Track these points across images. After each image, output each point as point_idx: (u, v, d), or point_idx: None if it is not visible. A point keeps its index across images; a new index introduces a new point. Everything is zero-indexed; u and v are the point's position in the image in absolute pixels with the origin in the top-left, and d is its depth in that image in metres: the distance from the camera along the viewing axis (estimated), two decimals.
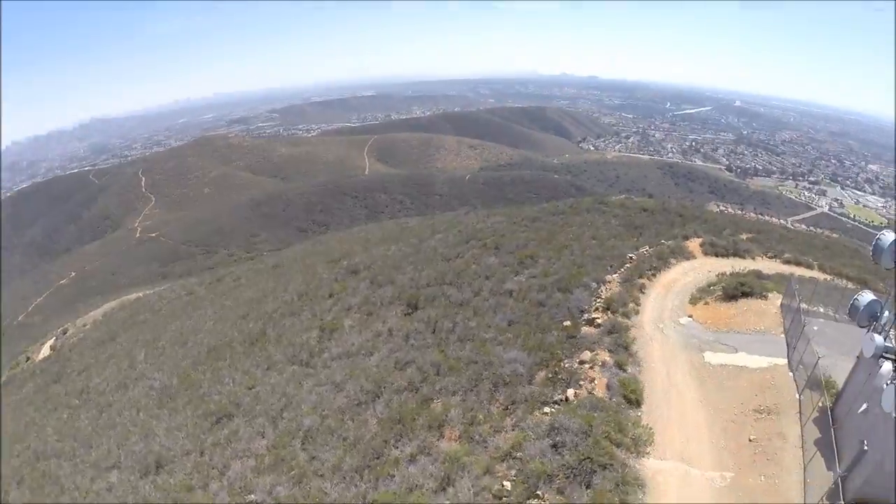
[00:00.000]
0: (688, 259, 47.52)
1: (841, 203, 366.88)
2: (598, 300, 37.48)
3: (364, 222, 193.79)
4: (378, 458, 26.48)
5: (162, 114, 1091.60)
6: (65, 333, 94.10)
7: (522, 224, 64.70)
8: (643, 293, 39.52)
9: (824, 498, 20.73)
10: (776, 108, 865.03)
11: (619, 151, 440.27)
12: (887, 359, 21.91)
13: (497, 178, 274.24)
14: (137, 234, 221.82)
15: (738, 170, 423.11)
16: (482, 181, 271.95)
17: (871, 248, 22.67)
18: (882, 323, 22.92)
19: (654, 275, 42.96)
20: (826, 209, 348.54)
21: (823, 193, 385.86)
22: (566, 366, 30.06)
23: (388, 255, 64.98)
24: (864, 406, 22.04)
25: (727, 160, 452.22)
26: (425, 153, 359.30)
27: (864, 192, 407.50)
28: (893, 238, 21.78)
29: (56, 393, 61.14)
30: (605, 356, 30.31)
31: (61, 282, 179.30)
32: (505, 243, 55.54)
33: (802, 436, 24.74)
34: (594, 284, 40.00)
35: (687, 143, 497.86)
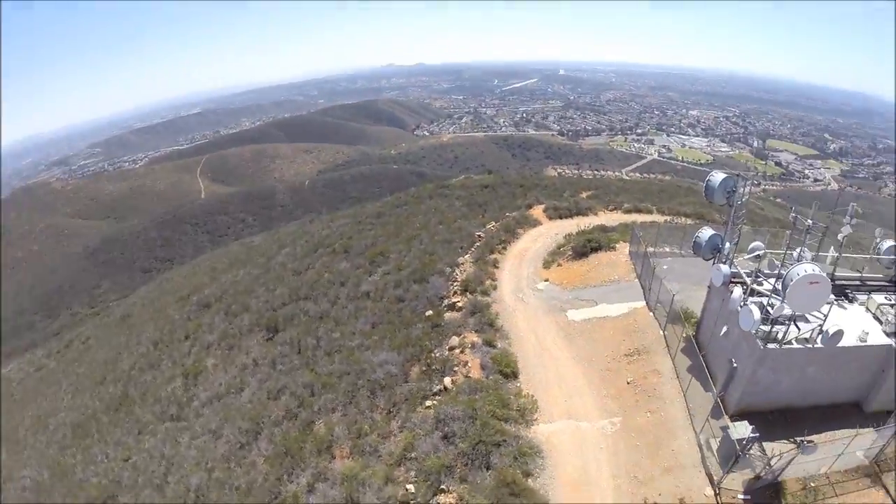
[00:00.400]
0: (534, 226, 47.73)
1: (668, 148, 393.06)
2: (455, 284, 36.69)
3: (209, 249, 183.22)
4: (276, 497, 24.60)
5: None
6: None
7: (368, 222, 63.27)
8: (497, 268, 39.09)
9: (709, 417, 21.52)
10: (598, 72, 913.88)
11: (454, 133, 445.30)
12: (736, 283, 22.96)
13: (337, 179, 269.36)
14: None
15: (570, 133, 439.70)
16: (323, 184, 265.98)
17: (703, 188, 23.69)
18: (725, 254, 23.81)
19: (504, 248, 42.68)
20: (656, 156, 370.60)
21: (651, 142, 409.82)
22: (437, 355, 29.18)
23: (237, 280, 61.29)
24: (725, 329, 23.22)
25: (558, 126, 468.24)
26: (261, 165, 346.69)
27: (689, 135, 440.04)
28: (722, 177, 22.92)
29: None
30: (472, 337, 29.59)
31: None
32: (353, 245, 53.89)
33: (675, 367, 25.43)
34: (448, 269, 39.25)
35: (518, 116, 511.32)
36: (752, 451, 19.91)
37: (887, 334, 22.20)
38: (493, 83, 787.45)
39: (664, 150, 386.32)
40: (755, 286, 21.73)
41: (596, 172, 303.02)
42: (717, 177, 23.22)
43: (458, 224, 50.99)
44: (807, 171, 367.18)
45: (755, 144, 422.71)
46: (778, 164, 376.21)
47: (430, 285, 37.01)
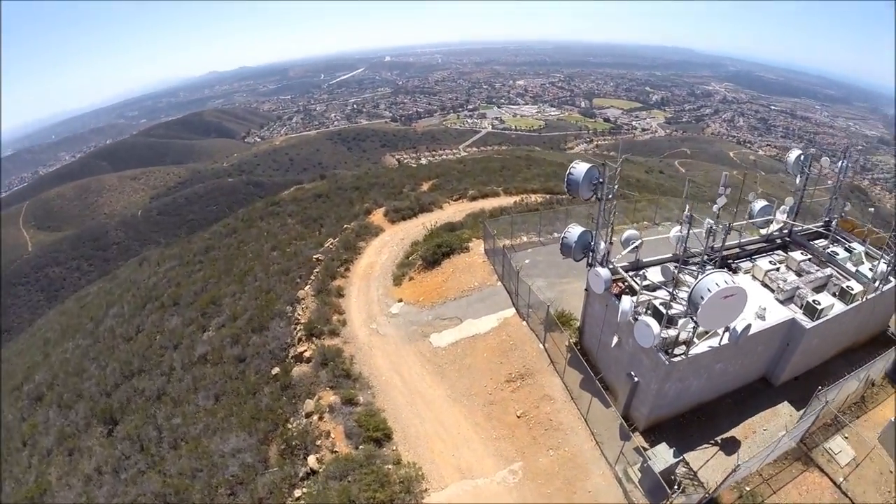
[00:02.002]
0: (377, 235, 42.96)
1: (501, 120, 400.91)
2: (299, 326, 31.45)
3: (46, 309, 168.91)
4: None
5: None
6: None
7: (196, 261, 56.10)
8: (343, 296, 34.08)
9: (619, 437, 19.38)
10: (424, 54, 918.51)
11: (287, 134, 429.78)
12: (619, 287, 19.69)
13: (171, 204, 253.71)
14: None
15: (403, 118, 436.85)
16: (157, 212, 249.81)
17: (565, 183, 19.51)
18: (600, 254, 20.34)
19: (347, 269, 37.63)
20: (490, 129, 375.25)
21: (484, 116, 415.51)
22: (294, 427, 24.27)
23: (67, 357, 52.71)
24: (616, 339, 20.35)
25: (390, 112, 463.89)
26: (87, 202, 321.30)
27: (519, 104, 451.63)
28: (585, 168, 19.08)
29: None
30: (329, 397, 24.85)
31: None
32: (183, 294, 47.01)
33: (567, 386, 22.21)
34: (290, 308, 33.84)
35: (349, 108, 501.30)
36: (679, 478, 17.41)
37: (782, 302, 20.73)
38: (319, 78, 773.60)
39: (497, 122, 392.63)
40: (644, 292, 18.77)
41: (434, 154, 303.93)
42: (580, 168, 19.31)
43: (293, 247, 45.35)
44: (634, 123, 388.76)
45: (582, 105, 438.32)
46: (606, 119, 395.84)
47: (271, 334, 31.57)
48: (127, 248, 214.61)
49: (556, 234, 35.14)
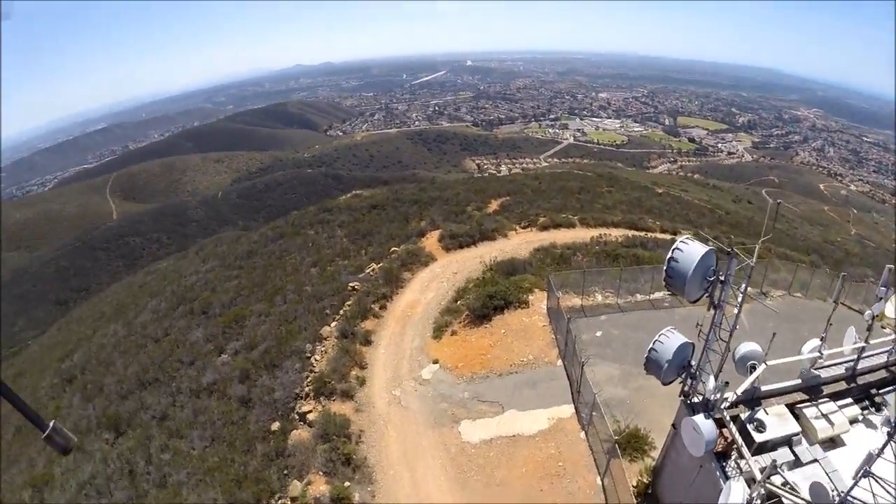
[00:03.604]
0: (426, 265, 37.15)
1: (583, 132, 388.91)
2: (311, 375, 26.11)
3: (125, 274, 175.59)
4: None
5: None
6: None
7: (236, 265, 51.84)
8: (370, 343, 28.45)
9: None
10: (506, 61, 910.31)
11: (368, 131, 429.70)
12: (723, 442, 12.79)
13: (251, 188, 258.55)
14: None
15: (484, 123, 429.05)
16: (237, 195, 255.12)
17: (665, 274, 11.99)
18: (705, 395, 12.98)
19: (384, 306, 31.98)
20: (571, 140, 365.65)
21: (566, 127, 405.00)
22: None
23: (103, 345, 50.25)
24: None
25: (472, 116, 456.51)
26: (171, 179, 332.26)
27: (601, 117, 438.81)
28: (700, 255, 11.43)
29: None
30: (319, 485, 19.53)
31: None
32: (214, 301, 42.97)
33: None
34: (309, 347, 28.62)
35: (430, 109, 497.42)
36: None
37: None
38: (402, 78, 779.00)
39: (579, 134, 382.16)
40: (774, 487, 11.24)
41: (514, 162, 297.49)
42: (690, 254, 11.69)
43: (333, 267, 40.27)
44: (720, 146, 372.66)
45: (666, 122, 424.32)
46: (691, 140, 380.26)
47: (282, 378, 26.59)
48: (206, 226, 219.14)
49: (638, 297, 28.71)
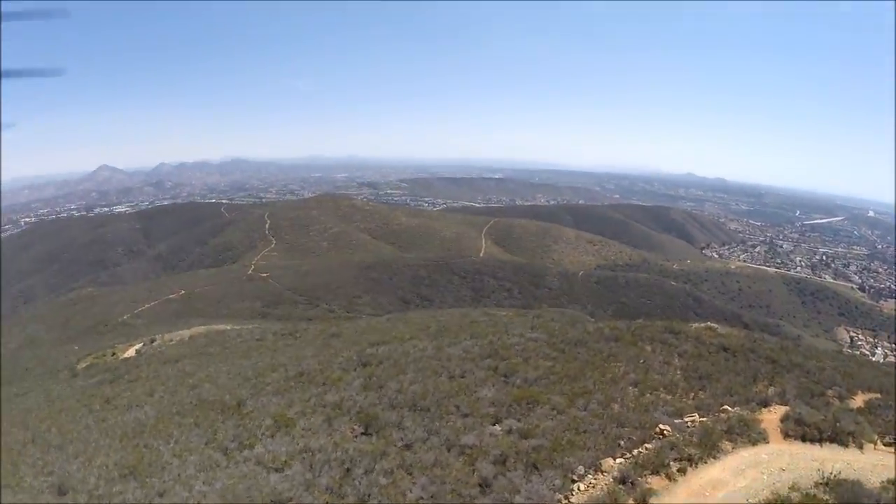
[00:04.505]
0: (755, 443, 30.20)
1: None
2: (567, 502, 22.95)
3: (468, 304, 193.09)
4: None
5: (298, 165, 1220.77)
6: (152, 342, 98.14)
7: (559, 347, 50.01)
8: None
9: None
10: None
11: (744, 261, 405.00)
12: None
13: (611, 279, 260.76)
14: (250, 271, 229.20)
15: (872, 290, 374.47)
16: (595, 280, 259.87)
17: None
18: None
19: (683, 469, 26.61)
20: None
21: None
22: None
23: (409, 351, 52.98)
24: None
25: (860, 278, 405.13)
26: (542, 243, 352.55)
27: None
28: None
29: (100, 393, 60.25)
30: None
31: (171, 296, 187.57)
32: (519, 371, 41.77)
33: None
34: (581, 469, 25.38)
35: (817, 257, 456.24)
36: None
37: None
38: (794, 214, 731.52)
39: None
40: None
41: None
42: None
43: (651, 398, 35.89)
44: None
45: None
46: None
47: (535, 485, 24.06)
48: (556, 297, 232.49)
49: None
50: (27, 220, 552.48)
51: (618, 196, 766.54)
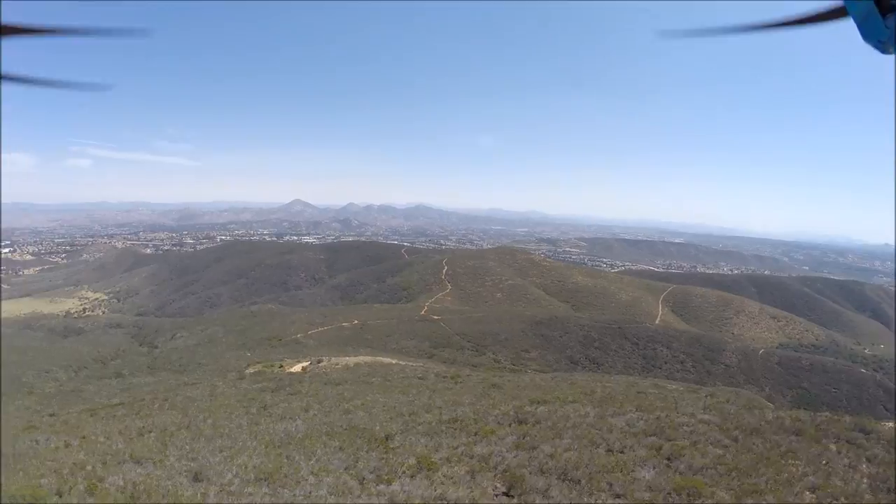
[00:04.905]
0: None
1: None
2: None
3: (637, 373, 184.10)
4: None
5: (479, 216, 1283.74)
6: (318, 362, 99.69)
7: (732, 434, 46.84)
8: None
9: None
10: None
11: None
12: None
13: (794, 360, 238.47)
14: (423, 312, 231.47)
15: None
16: (777, 360, 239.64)
17: None
18: None
19: None
20: None
21: None
22: None
23: (567, 415, 51.95)
24: None
25: None
26: (722, 314, 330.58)
27: None
28: None
29: (259, 398, 60.52)
30: None
31: (344, 323, 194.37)
32: (685, 455, 37.80)
33: None
34: None
35: None
36: None
37: None
38: None
39: None
40: None
41: None
42: None
43: None
44: None
45: None
46: None
47: None
48: (732, 375, 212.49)
49: None
50: (223, 237, 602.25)
51: (807, 267, 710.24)
